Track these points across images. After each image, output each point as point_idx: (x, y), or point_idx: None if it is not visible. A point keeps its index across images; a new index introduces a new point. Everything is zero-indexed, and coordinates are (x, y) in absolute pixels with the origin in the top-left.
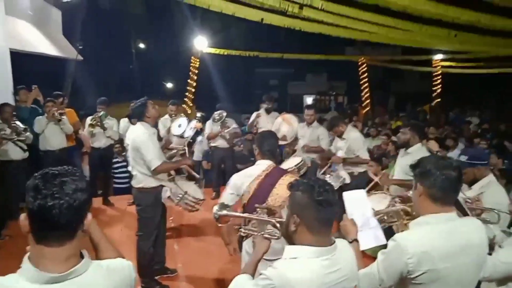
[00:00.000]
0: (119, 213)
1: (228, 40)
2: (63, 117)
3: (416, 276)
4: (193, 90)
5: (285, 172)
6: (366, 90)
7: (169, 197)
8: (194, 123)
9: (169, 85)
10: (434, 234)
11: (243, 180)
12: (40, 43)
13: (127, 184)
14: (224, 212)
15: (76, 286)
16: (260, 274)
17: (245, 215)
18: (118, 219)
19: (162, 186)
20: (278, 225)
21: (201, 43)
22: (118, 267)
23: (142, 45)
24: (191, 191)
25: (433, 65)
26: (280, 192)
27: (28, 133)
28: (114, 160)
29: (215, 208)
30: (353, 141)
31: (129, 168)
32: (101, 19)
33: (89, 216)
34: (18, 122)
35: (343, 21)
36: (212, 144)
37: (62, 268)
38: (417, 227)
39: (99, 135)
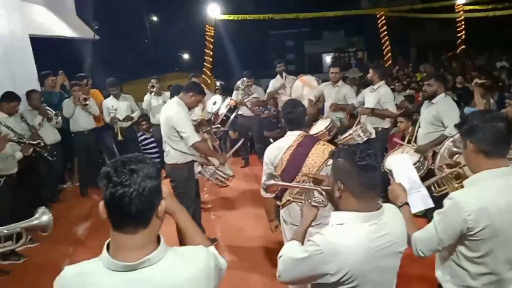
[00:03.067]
0: None
1: (240, 5)
2: (87, 102)
3: (476, 233)
4: (210, 59)
5: (317, 140)
6: (387, 43)
7: (200, 172)
8: (229, 100)
9: (186, 56)
10: (491, 189)
11: (276, 153)
12: (57, 26)
13: (157, 160)
14: (272, 181)
15: (149, 274)
16: (308, 240)
17: (292, 184)
18: None
19: (194, 161)
20: (324, 193)
21: (214, 11)
22: (195, 255)
23: (155, 19)
24: (221, 167)
25: (456, 11)
26: (314, 160)
27: (59, 118)
28: (142, 137)
29: (263, 178)
30: (383, 94)
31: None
32: None
33: (163, 203)
34: (48, 108)
35: None
36: (238, 113)
37: (136, 256)
38: (472, 185)
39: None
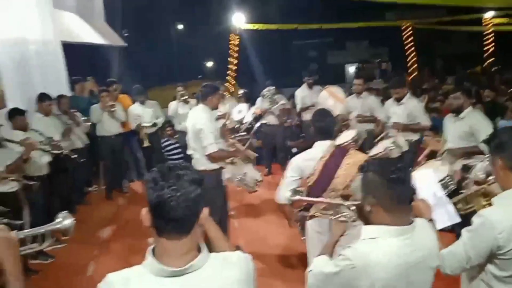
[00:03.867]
0: None
1: (264, 14)
2: (114, 109)
3: (506, 251)
4: (234, 67)
5: (347, 151)
6: (412, 55)
7: (229, 178)
8: (254, 109)
9: (210, 64)
10: None
11: (307, 163)
12: (87, 33)
13: None
14: (298, 197)
15: (194, 280)
16: (339, 255)
17: (319, 199)
18: None
19: (222, 168)
20: (352, 207)
21: (239, 20)
22: (235, 260)
23: (181, 27)
24: (250, 172)
25: (484, 24)
26: (347, 171)
27: (88, 123)
28: (167, 142)
29: (288, 193)
30: (413, 107)
31: (188, 151)
32: (139, 4)
33: (205, 210)
34: (77, 113)
35: None
36: (262, 122)
37: (181, 262)
38: (502, 202)
39: None
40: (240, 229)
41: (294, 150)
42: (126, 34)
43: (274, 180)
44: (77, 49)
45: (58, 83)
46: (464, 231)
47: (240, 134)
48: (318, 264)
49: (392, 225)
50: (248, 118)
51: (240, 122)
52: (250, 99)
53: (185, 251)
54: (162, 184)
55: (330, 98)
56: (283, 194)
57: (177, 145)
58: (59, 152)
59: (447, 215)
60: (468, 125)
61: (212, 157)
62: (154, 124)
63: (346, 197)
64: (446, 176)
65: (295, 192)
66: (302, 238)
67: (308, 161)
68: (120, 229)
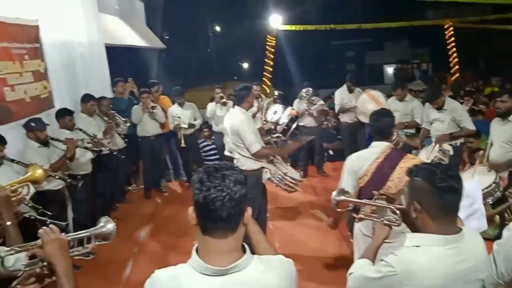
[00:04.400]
0: None
1: (301, 15)
2: (154, 110)
3: None
4: (270, 69)
5: (405, 154)
6: (454, 55)
7: (269, 178)
8: (290, 110)
9: (245, 65)
10: None
11: (361, 164)
12: (128, 36)
13: None
14: (342, 197)
15: (238, 280)
16: (381, 260)
17: (363, 201)
18: None
19: (263, 168)
20: (398, 212)
21: (276, 21)
22: (278, 263)
23: (218, 28)
24: (290, 172)
25: None
26: (402, 175)
27: (127, 124)
28: (204, 143)
29: (334, 193)
30: (456, 112)
31: (226, 153)
32: (178, 6)
33: (249, 210)
34: (117, 114)
35: None
36: (300, 123)
37: (225, 261)
38: None
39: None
40: (275, 231)
41: (331, 152)
42: (166, 37)
43: (310, 183)
44: (118, 51)
45: (102, 84)
46: (495, 245)
47: (276, 135)
48: (359, 268)
49: (438, 233)
50: (284, 120)
51: (276, 123)
52: (286, 101)
53: (229, 250)
54: (208, 185)
55: (371, 101)
56: (333, 196)
57: (213, 146)
58: (101, 149)
59: (476, 226)
60: None
61: (257, 156)
62: (192, 126)
63: (391, 200)
64: (492, 183)
65: (342, 192)
66: (350, 240)
67: (362, 160)
68: (158, 228)
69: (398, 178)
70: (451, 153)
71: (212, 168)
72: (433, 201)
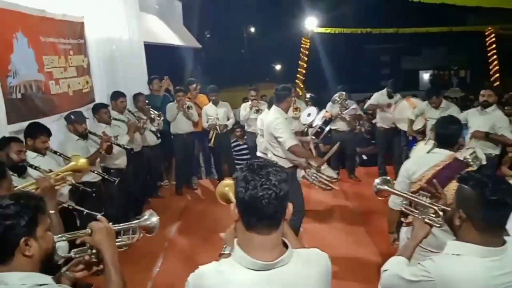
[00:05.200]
0: None
1: (337, 18)
2: (190, 111)
3: None
4: (303, 71)
5: (466, 166)
6: (495, 62)
7: (303, 176)
8: (323, 113)
9: (278, 67)
10: None
11: (418, 168)
12: (167, 35)
13: None
14: (385, 187)
15: (282, 274)
16: (418, 263)
17: (406, 194)
18: None
19: (296, 166)
20: (441, 213)
21: (312, 23)
22: (316, 257)
23: (253, 29)
24: (325, 170)
25: None
26: None
27: (161, 119)
28: (235, 143)
29: (376, 181)
30: (497, 118)
31: (259, 153)
32: (214, 7)
33: (290, 206)
34: (152, 110)
35: None
36: (332, 127)
37: (269, 256)
38: None
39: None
40: (305, 234)
41: (364, 157)
42: (208, 35)
43: (341, 187)
44: (156, 49)
45: (139, 81)
46: None
47: (309, 137)
48: (395, 266)
49: (481, 244)
50: (318, 122)
51: (309, 125)
52: (317, 104)
53: (273, 245)
54: (253, 184)
55: (410, 109)
56: (392, 198)
57: (245, 146)
58: (132, 148)
59: None
60: None
61: (292, 151)
62: (225, 126)
63: (436, 198)
64: None
65: (385, 181)
66: (396, 243)
67: (420, 165)
68: (188, 224)
69: (453, 190)
70: (484, 162)
71: (256, 165)
72: (480, 213)
